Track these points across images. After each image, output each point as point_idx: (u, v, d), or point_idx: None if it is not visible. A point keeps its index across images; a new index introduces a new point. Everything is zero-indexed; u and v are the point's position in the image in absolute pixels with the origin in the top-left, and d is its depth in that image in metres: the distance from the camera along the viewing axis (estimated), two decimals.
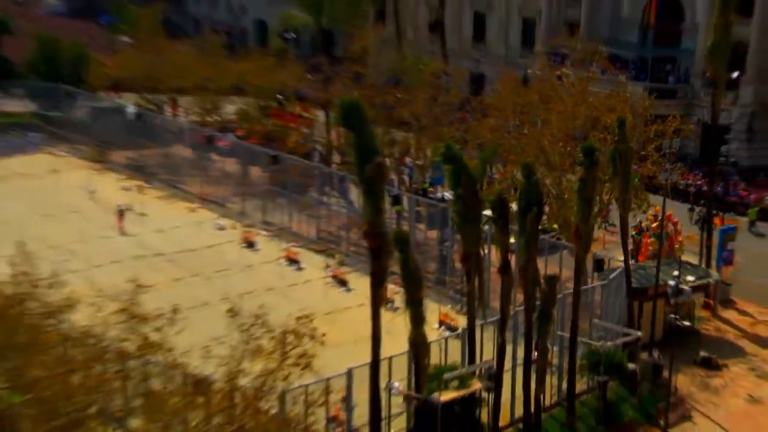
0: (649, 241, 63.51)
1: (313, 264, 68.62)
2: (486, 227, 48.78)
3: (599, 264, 57.81)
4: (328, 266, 67.80)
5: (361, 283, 55.30)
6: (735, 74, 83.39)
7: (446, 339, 48.09)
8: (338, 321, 45.75)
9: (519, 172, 49.10)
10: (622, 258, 57.21)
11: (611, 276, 57.36)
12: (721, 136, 79.15)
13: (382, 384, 40.76)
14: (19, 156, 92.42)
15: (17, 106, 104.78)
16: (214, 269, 66.33)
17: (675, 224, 67.04)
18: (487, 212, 47.25)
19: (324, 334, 33.98)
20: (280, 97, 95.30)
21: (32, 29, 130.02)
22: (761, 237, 74.99)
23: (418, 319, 41.23)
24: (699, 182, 78.03)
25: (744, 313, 62.48)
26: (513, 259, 47.26)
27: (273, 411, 33.49)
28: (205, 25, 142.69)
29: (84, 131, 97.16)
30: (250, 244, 72.58)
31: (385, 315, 41.89)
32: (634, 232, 63.18)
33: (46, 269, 37.40)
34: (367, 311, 40.79)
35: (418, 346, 41.41)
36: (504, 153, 62.44)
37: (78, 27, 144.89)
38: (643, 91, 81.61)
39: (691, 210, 74.64)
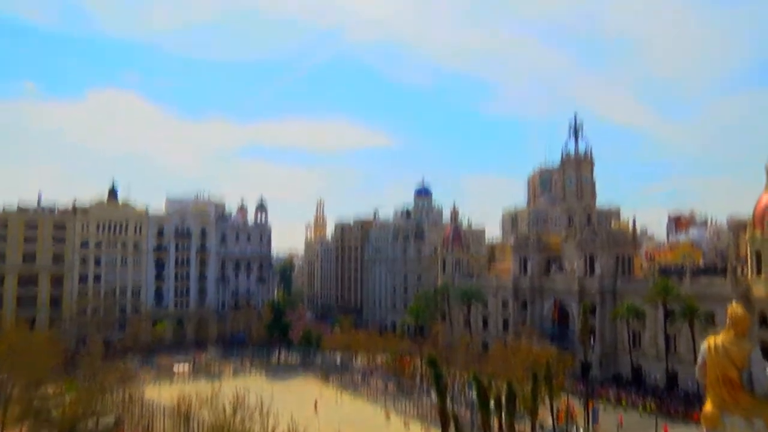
0: (562, 414, 61.18)
1: (418, 427, 65.54)
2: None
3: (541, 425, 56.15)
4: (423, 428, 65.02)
5: None
6: (592, 340, 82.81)
7: None
8: None
9: (505, 383, 49.15)
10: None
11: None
12: (589, 366, 77.09)
13: None
14: (292, 378, 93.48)
15: (292, 359, 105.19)
16: (372, 427, 65.80)
17: (573, 406, 64.94)
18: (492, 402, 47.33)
19: None
20: (402, 354, 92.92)
21: (299, 326, 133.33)
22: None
23: None
24: (581, 387, 74.18)
25: None
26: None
27: None
28: (372, 322, 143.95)
29: (317, 368, 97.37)
30: (387, 416, 70.32)
31: None
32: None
33: (302, 424, 39.50)
34: None
35: None
36: (497, 375, 61.20)
37: (318, 325, 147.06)
38: (555, 347, 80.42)
39: (580, 399, 70.39)
